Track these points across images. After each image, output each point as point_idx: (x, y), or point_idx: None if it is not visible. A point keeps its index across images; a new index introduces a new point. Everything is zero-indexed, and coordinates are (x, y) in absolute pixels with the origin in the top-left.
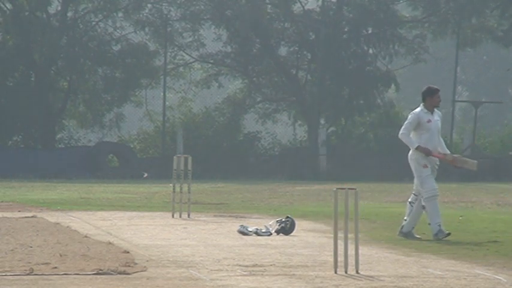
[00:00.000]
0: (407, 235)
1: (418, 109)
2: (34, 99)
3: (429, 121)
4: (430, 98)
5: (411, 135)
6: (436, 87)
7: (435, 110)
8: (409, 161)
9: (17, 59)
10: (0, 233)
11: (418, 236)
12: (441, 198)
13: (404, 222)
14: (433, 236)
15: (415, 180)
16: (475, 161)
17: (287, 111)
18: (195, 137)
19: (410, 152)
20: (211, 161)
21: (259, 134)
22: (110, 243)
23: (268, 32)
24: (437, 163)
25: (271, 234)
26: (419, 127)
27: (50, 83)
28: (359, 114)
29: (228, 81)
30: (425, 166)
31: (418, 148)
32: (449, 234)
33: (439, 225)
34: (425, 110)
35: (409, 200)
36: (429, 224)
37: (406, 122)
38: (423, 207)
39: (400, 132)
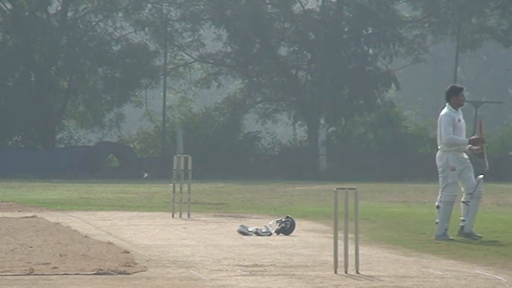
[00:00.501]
0: (470, 235)
1: (446, 110)
2: (34, 99)
3: (459, 120)
4: (455, 97)
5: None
6: (460, 86)
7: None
8: (437, 161)
9: (17, 59)
10: (0, 233)
11: (479, 235)
12: None
13: (463, 223)
14: (435, 236)
15: (463, 181)
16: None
17: (287, 111)
18: (195, 137)
19: (439, 152)
20: (211, 161)
21: (259, 134)
22: (110, 243)
23: (268, 32)
24: (468, 158)
25: (271, 234)
26: (453, 128)
27: (50, 83)
28: (359, 114)
29: (228, 81)
30: (453, 169)
31: (471, 141)
32: (452, 240)
33: (446, 229)
34: (454, 110)
35: (462, 199)
36: (436, 223)
37: (444, 126)
38: (437, 207)
39: (446, 138)
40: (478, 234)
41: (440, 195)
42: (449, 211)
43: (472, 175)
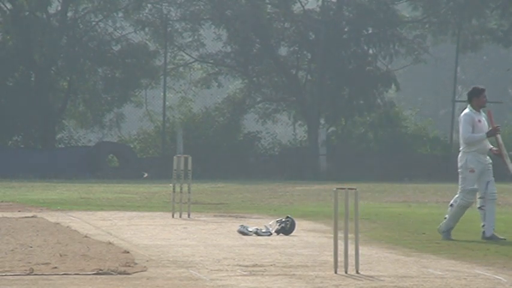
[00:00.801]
0: (492, 238)
1: (466, 110)
2: (34, 99)
3: (479, 121)
4: (477, 98)
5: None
6: (482, 87)
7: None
8: (458, 162)
9: (17, 59)
10: (0, 233)
11: (501, 237)
12: (442, 199)
13: (483, 228)
14: (439, 228)
15: (478, 184)
16: None
17: (287, 111)
18: (195, 137)
19: (460, 153)
20: (211, 161)
21: (259, 134)
22: (110, 243)
23: (268, 32)
24: (490, 162)
25: (271, 234)
26: (473, 128)
27: (50, 83)
28: (359, 114)
29: (228, 81)
30: (471, 171)
31: (488, 134)
32: (452, 240)
33: (450, 229)
34: (474, 111)
35: (478, 205)
36: (445, 218)
37: (463, 125)
38: (451, 205)
39: (465, 137)
40: (501, 237)
41: (457, 195)
42: (460, 215)
43: (489, 179)
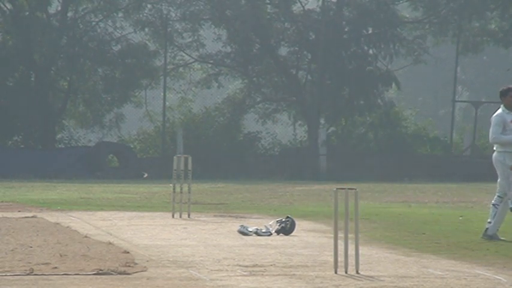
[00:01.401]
0: (492, 237)
1: (499, 110)
2: (34, 99)
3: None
4: (504, 98)
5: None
6: (508, 87)
7: None
8: (494, 163)
9: (17, 59)
10: (0, 233)
11: (502, 238)
12: (442, 199)
13: (488, 225)
14: None
15: (499, 182)
16: None
17: (287, 111)
18: (195, 137)
19: (495, 153)
20: (211, 161)
21: (259, 134)
22: (110, 243)
23: (268, 32)
24: None
25: (271, 234)
26: (504, 128)
27: (50, 83)
28: (359, 114)
29: (228, 81)
30: None
31: None
32: None
33: None
34: (507, 111)
35: (493, 202)
36: (489, 222)
37: (492, 126)
38: (511, 209)
39: (491, 137)
40: (501, 238)
41: (497, 194)
42: None
43: None
